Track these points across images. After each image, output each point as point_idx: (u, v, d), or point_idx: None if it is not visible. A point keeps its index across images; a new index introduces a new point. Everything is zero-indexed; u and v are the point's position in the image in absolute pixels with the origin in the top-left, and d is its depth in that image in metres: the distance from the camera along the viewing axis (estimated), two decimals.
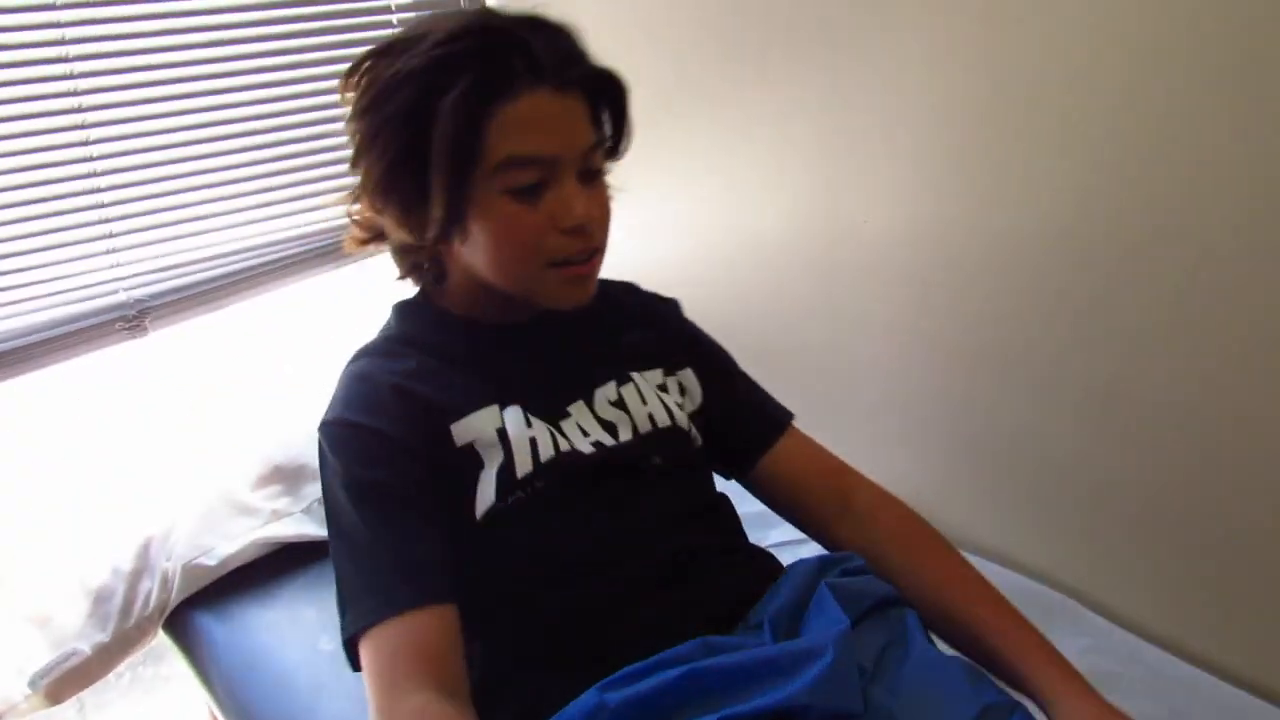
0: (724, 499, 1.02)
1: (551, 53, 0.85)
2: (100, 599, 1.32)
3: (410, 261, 0.96)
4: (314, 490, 1.45)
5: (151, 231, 1.55)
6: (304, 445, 1.49)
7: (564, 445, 0.91)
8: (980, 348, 1.39)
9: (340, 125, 1.69)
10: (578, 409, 0.96)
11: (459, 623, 0.82)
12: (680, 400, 1.03)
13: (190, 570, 1.35)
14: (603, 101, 0.91)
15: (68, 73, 1.40)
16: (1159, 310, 1.19)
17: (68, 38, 1.39)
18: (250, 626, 1.33)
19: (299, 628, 1.32)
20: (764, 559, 0.99)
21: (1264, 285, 1.09)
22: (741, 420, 1.07)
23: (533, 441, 0.90)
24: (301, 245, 1.74)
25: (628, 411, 0.97)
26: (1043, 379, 1.33)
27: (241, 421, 1.58)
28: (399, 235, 0.91)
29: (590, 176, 0.90)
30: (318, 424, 0.90)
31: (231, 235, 1.64)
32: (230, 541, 1.37)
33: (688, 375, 1.06)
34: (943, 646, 0.90)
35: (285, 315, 1.74)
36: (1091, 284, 1.24)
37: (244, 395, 1.63)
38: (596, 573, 0.88)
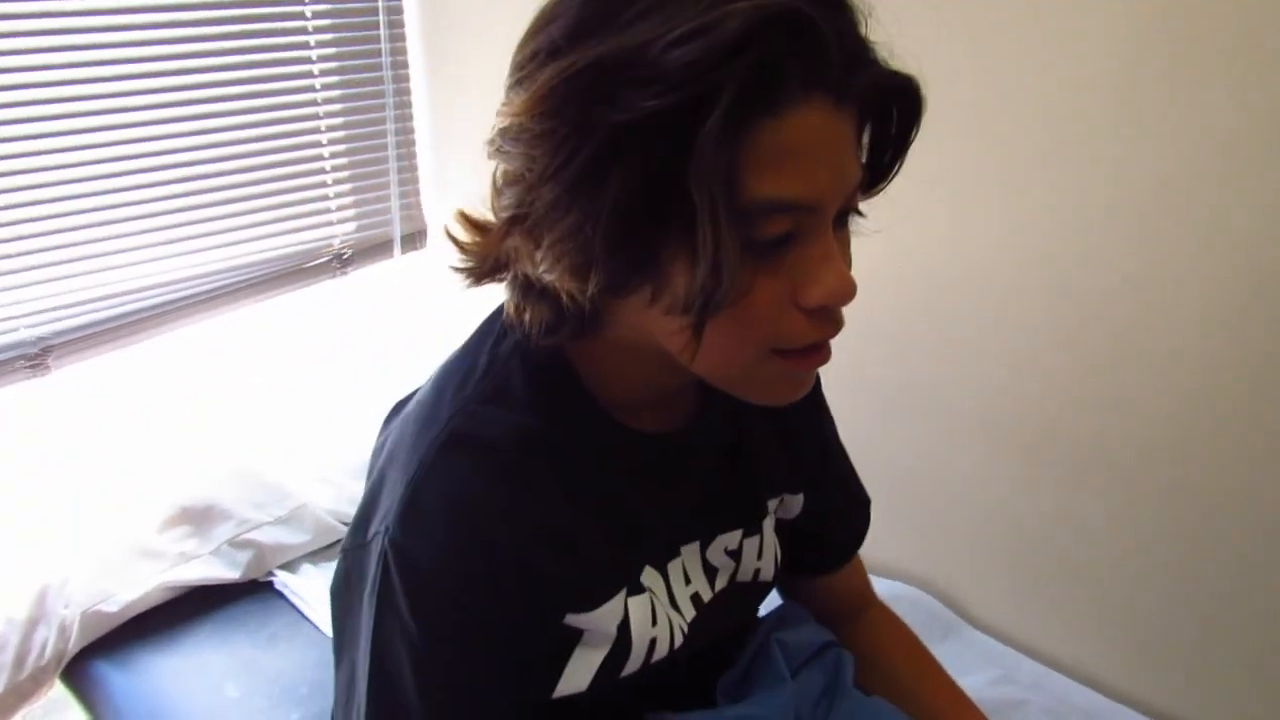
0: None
1: (840, 46, 0.55)
2: None
3: (566, 322, 0.65)
4: (222, 532, 1.40)
5: (54, 268, 1.50)
6: (212, 487, 1.45)
7: (678, 638, 0.75)
8: (894, 387, 1.41)
9: (249, 159, 1.68)
10: (689, 551, 0.79)
11: None
12: (777, 540, 0.88)
13: (89, 617, 1.29)
14: (877, 118, 0.62)
15: None
16: (1074, 353, 1.22)
17: None
18: (153, 674, 1.28)
19: (204, 675, 1.27)
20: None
21: (1214, 339, 1.12)
22: (818, 544, 0.94)
23: (652, 642, 0.73)
24: (211, 281, 1.70)
25: (738, 561, 0.82)
26: (957, 417, 1.35)
27: (148, 462, 1.53)
28: (576, 290, 0.60)
29: (840, 221, 0.62)
30: (388, 538, 0.63)
31: (139, 271, 1.60)
32: (133, 586, 1.32)
33: (796, 499, 0.89)
34: None
35: (194, 352, 1.70)
36: (1024, 327, 1.27)
37: (151, 435, 1.58)
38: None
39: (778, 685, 0.85)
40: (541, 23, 0.59)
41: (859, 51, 0.57)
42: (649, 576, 0.74)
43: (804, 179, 0.56)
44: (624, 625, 0.71)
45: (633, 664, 0.72)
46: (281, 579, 1.42)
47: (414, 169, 2.00)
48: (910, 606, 1.38)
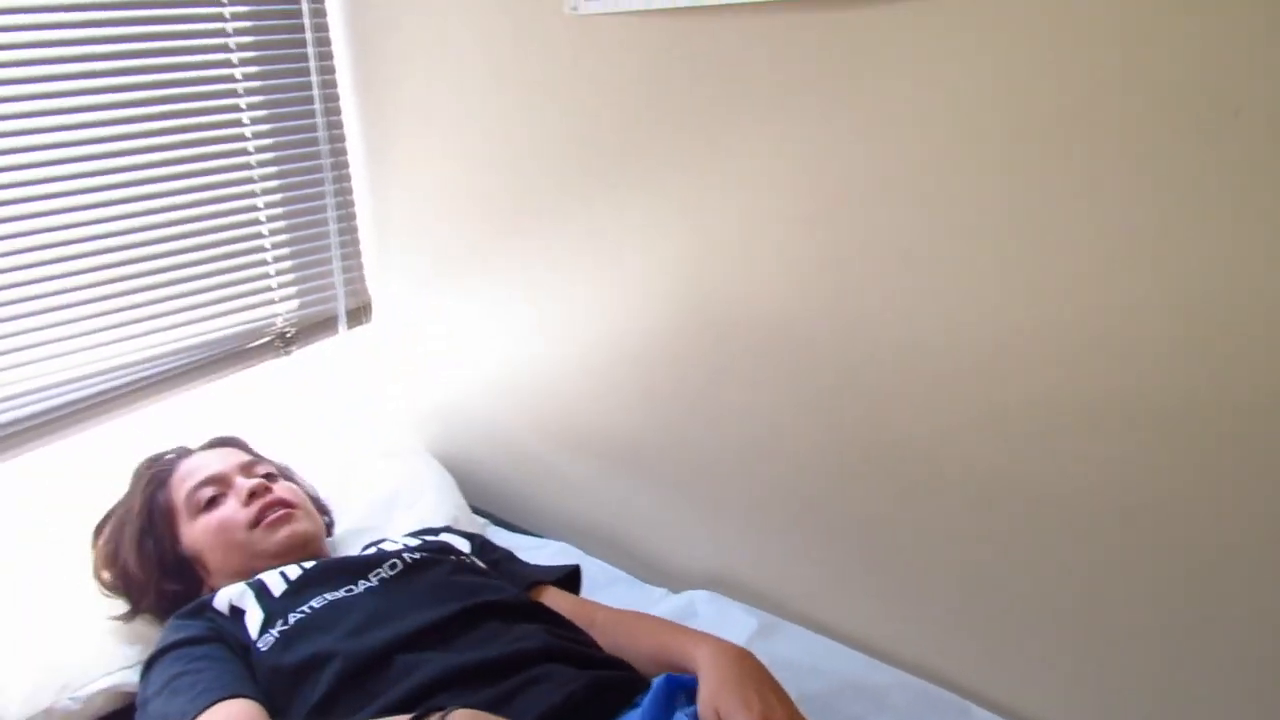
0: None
1: (204, 445, 1.49)
2: None
3: (182, 600, 1.30)
4: None
5: None
6: None
7: (309, 565, 1.26)
8: (860, 450, 1.41)
9: (187, 240, 1.65)
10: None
11: (263, 713, 1.03)
12: (437, 540, 1.41)
13: None
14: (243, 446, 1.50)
15: None
16: (1037, 405, 1.24)
17: None
18: None
19: None
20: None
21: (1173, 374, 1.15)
22: (509, 572, 1.38)
23: (282, 573, 1.24)
24: (154, 366, 1.65)
25: (382, 548, 1.33)
26: (917, 471, 1.36)
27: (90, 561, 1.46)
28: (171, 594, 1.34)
29: (269, 478, 1.41)
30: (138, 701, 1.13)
31: (79, 359, 1.54)
32: (73, 696, 1.25)
33: (448, 535, 1.45)
34: None
35: (139, 440, 1.64)
36: (975, 378, 1.28)
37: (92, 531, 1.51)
38: (373, 658, 1.08)
39: None
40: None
41: (215, 438, 1.52)
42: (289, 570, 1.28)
43: (202, 471, 1.37)
44: (254, 581, 1.24)
45: (274, 586, 1.22)
46: None
47: (356, 243, 1.97)
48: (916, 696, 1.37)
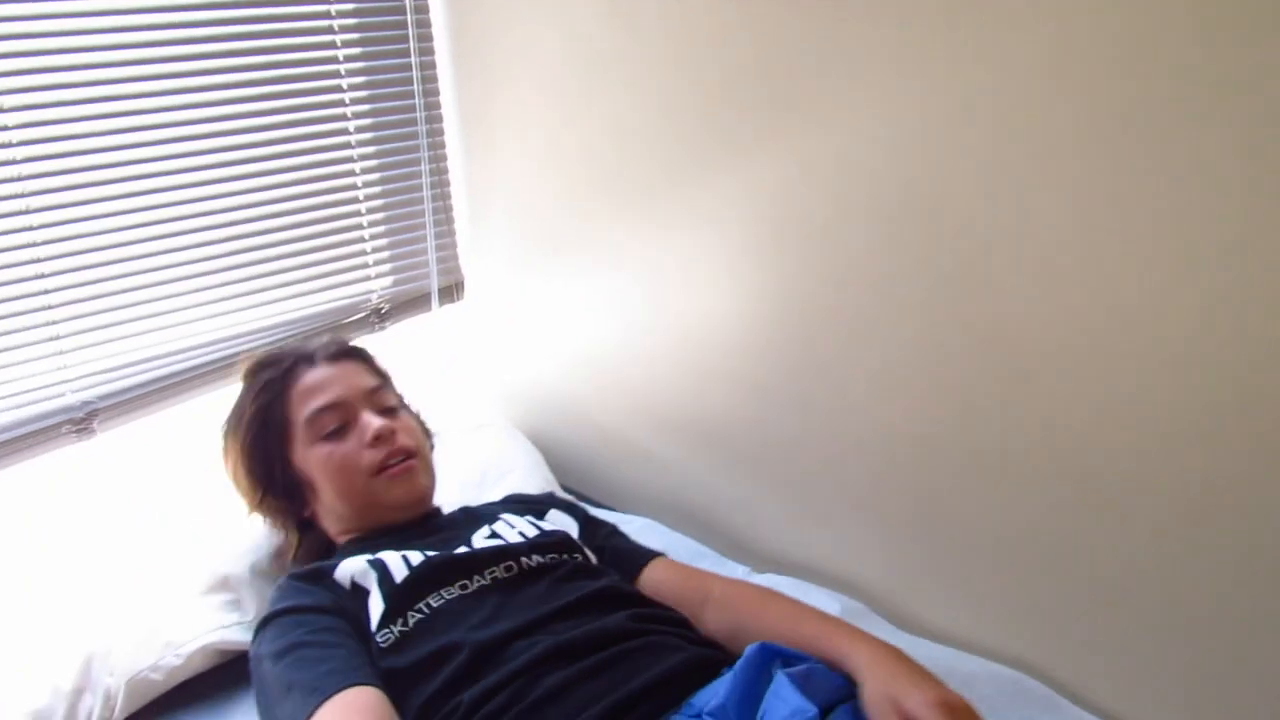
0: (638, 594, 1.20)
1: (324, 347, 1.36)
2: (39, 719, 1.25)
3: (299, 531, 1.36)
4: (264, 601, 1.39)
5: (99, 332, 1.52)
6: (254, 554, 1.44)
7: (432, 554, 1.17)
8: (946, 439, 1.38)
9: (287, 219, 1.70)
10: (461, 547, 1.22)
11: (389, 705, 0.98)
12: (553, 527, 1.30)
13: (134, 685, 1.28)
14: (368, 361, 1.39)
15: (15, 175, 1.39)
16: (1135, 393, 1.19)
17: (15, 140, 1.38)
18: None
19: None
20: (696, 648, 1.07)
21: (1231, 367, 1.10)
22: (614, 553, 1.31)
23: (404, 557, 1.16)
24: (252, 340, 1.71)
25: (503, 539, 1.23)
26: (1018, 468, 1.32)
27: (191, 527, 1.53)
28: (281, 524, 1.37)
29: (389, 412, 1.33)
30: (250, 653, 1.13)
31: (181, 332, 1.62)
32: (176, 653, 1.31)
33: (556, 514, 1.35)
34: None
35: None
36: (1068, 371, 1.24)
37: (194, 499, 1.58)
38: (498, 658, 1.03)
39: (799, 715, 0.87)
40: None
41: (342, 344, 1.38)
42: (408, 552, 1.18)
43: (325, 394, 1.28)
44: (375, 560, 1.16)
45: (397, 572, 1.13)
46: None
47: (450, 221, 2.00)
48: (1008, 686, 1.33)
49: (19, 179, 1.39)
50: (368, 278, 1.88)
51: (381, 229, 1.88)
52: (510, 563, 1.17)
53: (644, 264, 1.69)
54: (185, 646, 1.32)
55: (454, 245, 2.03)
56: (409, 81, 1.86)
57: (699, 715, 0.92)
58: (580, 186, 1.74)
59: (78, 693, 1.27)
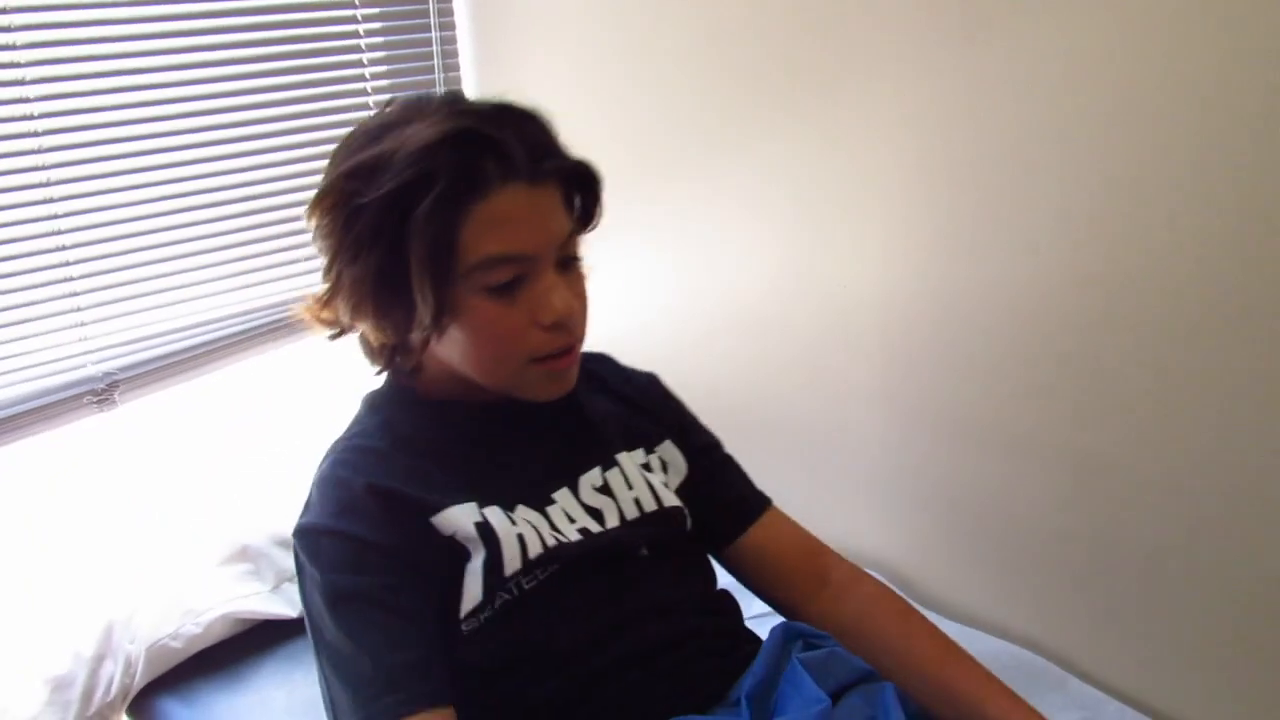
0: (724, 591, 1.02)
1: (523, 147, 0.84)
2: (60, 686, 1.27)
3: (385, 357, 0.95)
4: (283, 571, 1.41)
5: (121, 304, 1.53)
6: (273, 524, 1.45)
7: (551, 540, 0.89)
8: (964, 415, 1.37)
9: (312, 191, 1.69)
10: (563, 496, 0.95)
11: None
12: (665, 478, 1.02)
13: (154, 652, 1.31)
14: (576, 188, 0.91)
15: (36, 147, 1.39)
16: (1146, 379, 1.18)
17: (35, 113, 1.38)
18: (217, 711, 1.29)
19: (267, 711, 1.27)
20: (755, 643, 0.97)
21: (1252, 354, 1.09)
22: (723, 496, 1.06)
23: (520, 539, 0.88)
24: (275, 313, 1.72)
25: (614, 497, 0.97)
26: (1029, 446, 1.31)
27: (210, 498, 1.54)
28: (376, 337, 0.91)
29: (566, 263, 0.91)
30: (292, 530, 0.88)
31: (203, 305, 1.62)
32: (196, 621, 1.33)
33: (668, 449, 1.05)
34: None
35: (258, 386, 1.72)
36: (1075, 350, 1.23)
37: (214, 470, 1.60)
38: (580, 664, 0.87)
39: (811, 706, 0.83)
40: (329, 162, 0.90)
41: (545, 146, 0.87)
42: (524, 513, 0.91)
43: (512, 239, 0.84)
44: (484, 525, 0.87)
45: (510, 560, 0.86)
46: None
47: None
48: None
49: (40, 150, 1.40)
50: None
51: None
52: (616, 557, 0.94)
53: (675, 238, 1.68)
54: (205, 615, 1.34)
55: None
56: (429, 56, 1.85)
57: (737, 701, 0.90)
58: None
59: (99, 659, 1.29)
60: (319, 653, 0.84)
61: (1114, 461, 1.23)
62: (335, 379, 1.81)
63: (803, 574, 1.03)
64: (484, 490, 0.90)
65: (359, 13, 1.73)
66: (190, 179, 1.56)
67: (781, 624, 0.93)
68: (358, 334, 0.95)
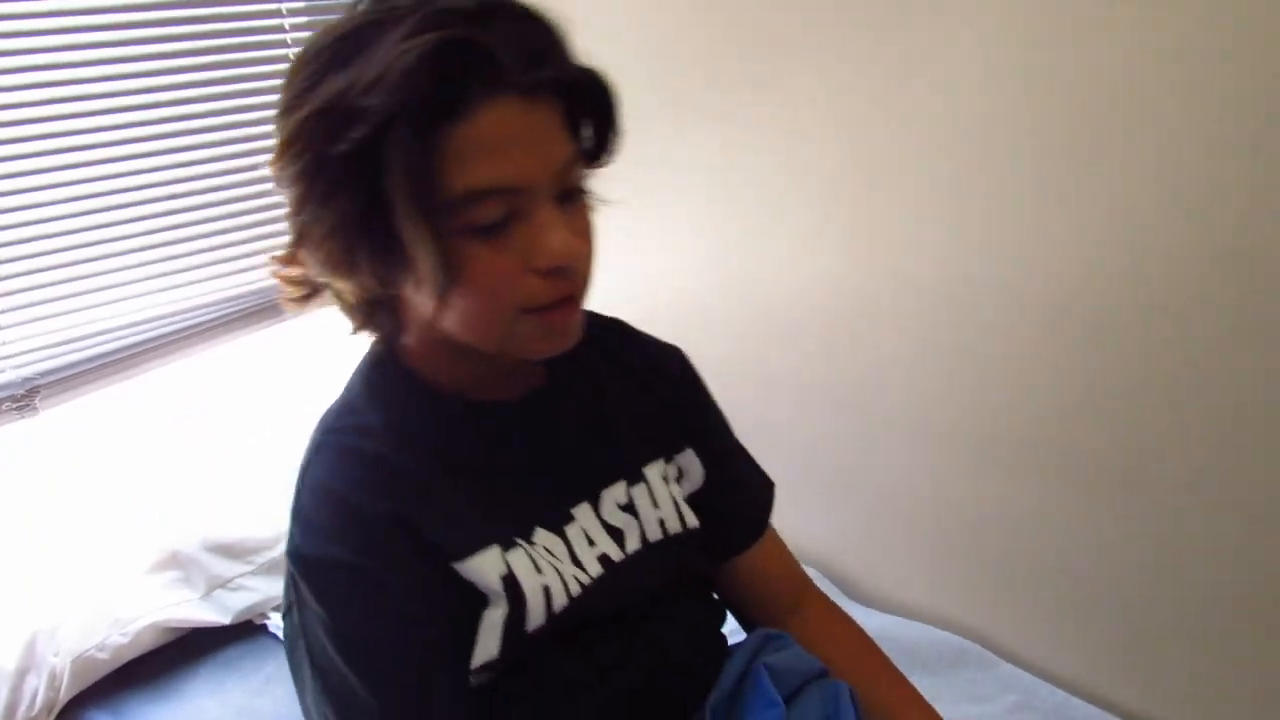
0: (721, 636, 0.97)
1: (513, 52, 0.66)
2: None
3: (361, 315, 0.79)
4: (214, 577, 1.38)
5: (40, 306, 1.48)
6: (204, 529, 1.42)
7: (574, 586, 0.80)
8: (892, 406, 1.40)
9: (233, 190, 1.66)
10: (583, 514, 0.84)
11: None
12: (682, 490, 0.93)
13: (80, 664, 1.28)
14: (582, 106, 0.72)
15: None
16: (1092, 373, 1.21)
17: None
18: None
19: None
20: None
21: (1242, 360, 1.10)
22: (729, 513, 0.97)
23: (546, 590, 0.78)
24: (202, 314, 1.68)
25: (638, 517, 0.87)
26: (954, 435, 1.34)
27: (138, 503, 1.51)
28: (353, 290, 0.75)
29: (569, 196, 0.73)
30: (290, 553, 0.75)
31: (127, 307, 1.58)
32: (123, 631, 1.30)
33: (688, 457, 0.95)
34: None
35: (186, 388, 1.68)
36: (1032, 355, 1.25)
37: (141, 475, 1.56)
38: (580, 699, 0.83)
39: (769, 710, 0.83)
40: (286, 81, 0.71)
41: (542, 52, 0.68)
42: (543, 538, 0.80)
43: (500, 166, 0.67)
44: (510, 578, 0.76)
45: (534, 617, 0.77)
46: (275, 622, 1.40)
47: None
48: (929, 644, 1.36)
49: None
50: None
51: None
52: (632, 595, 0.86)
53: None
54: (132, 625, 1.31)
55: None
56: None
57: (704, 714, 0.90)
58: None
59: (21, 673, 1.26)
60: (318, 691, 0.75)
61: (1036, 447, 1.26)
62: (268, 379, 1.78)
63: (778, 596, 0.99)
64: (499, 513, 0.79)
65: (286, 20, 1.70)
66: (110, 178, 1.52)
67: (756, 634, 0.92)
68: (335, 298, 0.79)
